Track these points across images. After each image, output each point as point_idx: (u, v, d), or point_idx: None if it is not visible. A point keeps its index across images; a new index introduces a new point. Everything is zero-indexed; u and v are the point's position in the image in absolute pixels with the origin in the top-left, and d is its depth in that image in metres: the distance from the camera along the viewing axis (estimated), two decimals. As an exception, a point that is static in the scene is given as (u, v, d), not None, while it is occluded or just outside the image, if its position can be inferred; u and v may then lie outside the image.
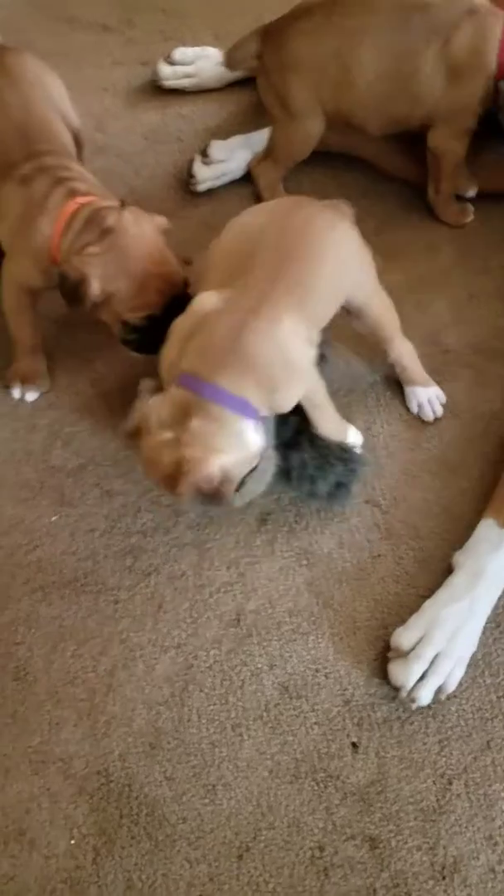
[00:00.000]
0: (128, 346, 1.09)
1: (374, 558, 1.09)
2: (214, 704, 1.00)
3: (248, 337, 0.91)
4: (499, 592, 1.03)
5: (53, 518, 1.12)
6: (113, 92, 1.50)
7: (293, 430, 1.07)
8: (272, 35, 1.27)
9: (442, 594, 1.02)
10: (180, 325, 0.95)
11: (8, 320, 1.17)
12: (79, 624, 1.04)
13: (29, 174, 1.06)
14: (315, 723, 0.99)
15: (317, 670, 1.02)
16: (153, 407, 0.92)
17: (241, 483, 0.95)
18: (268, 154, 1.34)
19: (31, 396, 1.19)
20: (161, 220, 1.06)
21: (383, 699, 1.00)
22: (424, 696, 0.97)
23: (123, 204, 1.04)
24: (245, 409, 0.92)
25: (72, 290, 1.00)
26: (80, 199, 1.04)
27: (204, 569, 1.09)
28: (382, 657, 1.02)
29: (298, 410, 1.03)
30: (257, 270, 0.95)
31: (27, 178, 1.06)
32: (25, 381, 1.18)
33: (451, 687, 0.98)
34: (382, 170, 1.42)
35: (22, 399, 1.19)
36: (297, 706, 1.00)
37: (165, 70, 1.46)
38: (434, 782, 0.96)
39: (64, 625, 1.04)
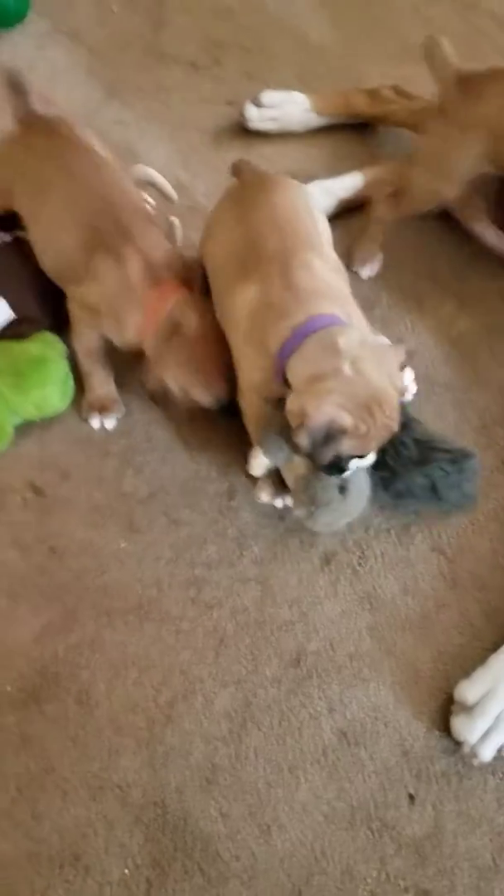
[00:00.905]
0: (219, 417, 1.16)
1: (439, 607, 1.08)
2: (272, 744, 1.00)
3: (296, 283, 1.01)
4: None
5: (122, 544, 1.13)
6: (200, 129, 1.54)
7: (414, 448, 1.10)
8: (470, 85, 1.21)
9: None
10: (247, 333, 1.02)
11: (79, 360, 1.20)
12: (141, 651, 1.06)
13: (120, 250, 1.09)
14: (373, 771, 0.99)
15: (376, 718, 1.02)
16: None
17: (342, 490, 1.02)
18: (397, 194, 1.30)
19: (109, 424, 1.22)
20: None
21: (443, 752, 0.99)
22: (487, 753, 0.96)
23: (189, 286, 1.10)
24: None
25: (158, 396, 1.10)
26: (165, 294, 1.09)
27: (266, 605, 1.09)
28: (444, 709, 1.01)
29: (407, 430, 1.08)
30: (266, 256, 1.04)
31: (119, 255, 1.09)
32: (102, 411, 1.21)
33: None
34: (459, 217, 1.43)
35: (99, 426, 1.22)
36: (355, 753, 1.00)
37: (252, 112, 1.50)
38: (491, 840, 0.95)
39: (127, 651, 1.06)
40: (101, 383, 1.21)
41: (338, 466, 0.98)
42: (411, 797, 0.97)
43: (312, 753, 1.00)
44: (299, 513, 1.06)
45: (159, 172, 1.46)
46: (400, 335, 1.30)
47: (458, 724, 0.98)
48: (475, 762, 0.97)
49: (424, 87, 1.54)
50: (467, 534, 1.14)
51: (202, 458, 1.19)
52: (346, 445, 0.95)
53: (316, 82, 1.62)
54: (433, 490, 1.10)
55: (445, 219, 1.43)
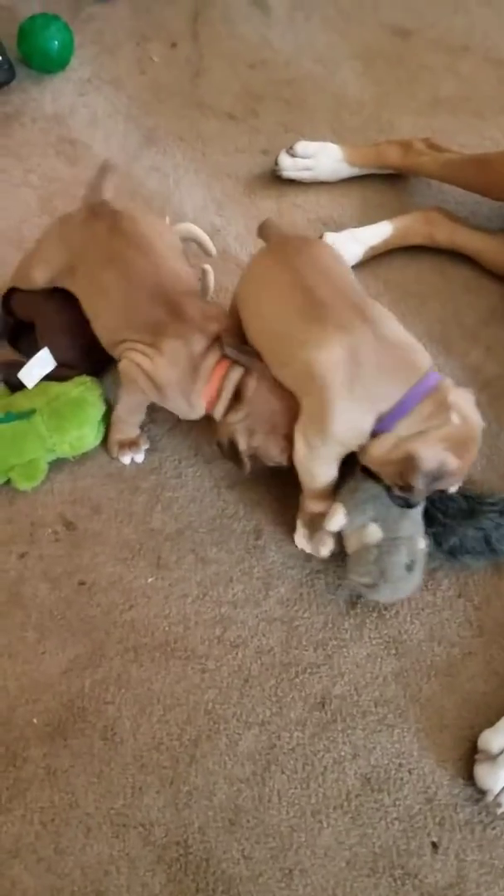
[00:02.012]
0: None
1: (465, 655, 1.09)
2: (295, 788, 1.00)
3: (387, 335, 1.04)
4: None
5: (150, 580, 1.15)
6: (234, 177, 1.58)
7: (463, 501, 1.13)
8: None
9: None
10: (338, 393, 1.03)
11: (118, 412, 1.22)
12: (167, 689, 1.06)
13: (183, 331, 1.12)
14: (396, 818, 0.98)
15: (400, 765, 1.01)
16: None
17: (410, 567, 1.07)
18: None
19: (139, 458, 1.24)
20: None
21: (467, 800, 0.99)
22: None
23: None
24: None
25: (230, 453, 1.12)
26: (223, 367, 1.12)
27: (291, 646, 1.10)
28: (468, 757, 1.01)
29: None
30: (328, 301, 1.06)
31: (183, 335, 1.12)
32: (130, 448, 1.24)
33: None
34: (486, 266, 1.46)
35: (132, 462, 1.24)
36: (378, 799, 0.99)
37: (286, 161, 1.54)
38: (514, 893, 0.94)
39: (152, 688, 1.06)
40: (131, 428, 1.24)
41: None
42: (434, 845, 0.97)
43: (336, 798, 0.99)
44: (363, 580, 1.08)
45: (194, 218, 1.50)
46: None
47: (482, 773, 0.97)
48: (499, 811, 0.97)
49: (454, 139, 1.59)
50: (494, 581, 1.15)
51: (230, 496, 1.21)
52: (446, 482, 1.04)
53: (349, 133, 1.66)
54: (486, 542, 1.12)
55: (471, 266, 1.46)
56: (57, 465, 1.22)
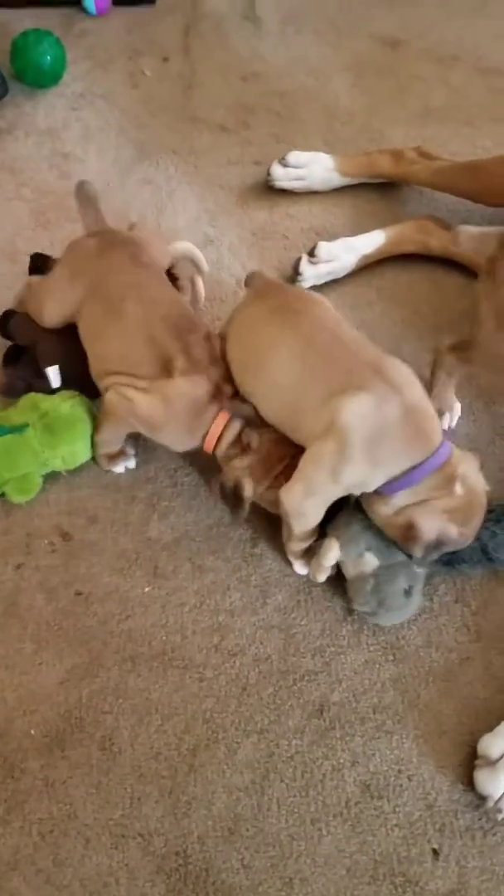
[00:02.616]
0: None
1: (463, 660, 1.09)
2: (294, 796, 1.00)
3: (410, 401, 1.03)
4: None
5: (146, 589, 1.15)
6: (227, 189, 1.59)
7: None
8: None
9: None
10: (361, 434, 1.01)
11: (102, 437, 1.21)
12: (165, 698, 1.06)
13: (189, 370, 1.12)
14: (396, 825, 0.98)
15: (400, 771, 1.01)
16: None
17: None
18: (462, 349, 1.23)
19: (131, 464, 1.25)
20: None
21: (467, 807, 0.99)
22: None
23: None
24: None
25: (231, 497, 1.11)
26: (226, 415, 1.12)
27: (289, 654, 1.10)
28: (467, 763, 1.01)
29: None
30: (348, 363, 1.04)
31: (189, 375, 1.11)
32: (118, 459, 1.24)
33: None
34: (479, 273, 1.47)
35: (125, 470, 1.24)
36: (378, 806, 0.99)
37: (278, 171, 1.55)
38: (516, 900, 0.93)
39: (150, 698, 1.06)
40: (114, 443, 1.23)
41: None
42: (435, 852, 0.96)
43: (335, 806, 0.99)
44: (362, 609, 1.09)
45: (188, 229, 1.51)
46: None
47: (482, 779, 0.97)
48: (499, 817, 0.96)
49: (446, 148, 1.60)
50: (491, 585, 1.15)
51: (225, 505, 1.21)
52: (447, 548, 1.04)
53: (341, 144, 1.67)
54: (483, 552, 1.12)
55: (465, 273, 1.47)
56: (52, 475, 1.22)
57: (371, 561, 1.07)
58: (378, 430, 1.00)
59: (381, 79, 1.85)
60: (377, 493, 1.04)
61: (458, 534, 1.02)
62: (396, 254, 1.48)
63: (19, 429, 1.18)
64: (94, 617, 1.12)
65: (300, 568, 1.15)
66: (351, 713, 1.05)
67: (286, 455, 1.09)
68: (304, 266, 1.41)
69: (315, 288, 1.44)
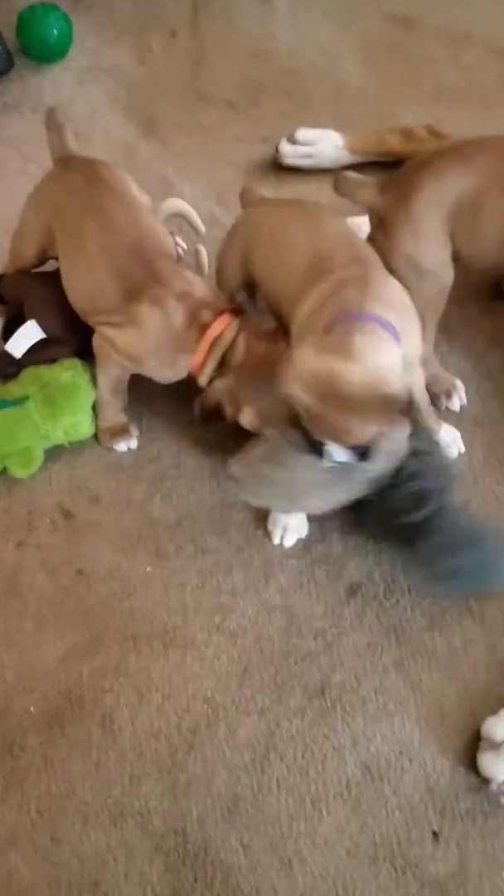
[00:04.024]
0: None
1: (466, 643, 1.07)
2: (295, 776, 0.99)
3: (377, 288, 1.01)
4: None
5: (148, 569, 1.14)
6: (234, 166, 1.57)
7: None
8: (395, 187, 1.17)
9: None
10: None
11: (100, 392, 1.21)
12: (165, 678, 1.06)
13: (160, 297, 1.11)
14: (396, 807, 0.97)
15: (401, 753, 1.00)
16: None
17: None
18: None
19: (133, 444, 1.24)
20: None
21: (468, 790, 0.98)
22: None
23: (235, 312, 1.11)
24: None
25: (210, 413, 1.10)
26: (212, 334, 1.10)
27: (291, 635, 1.09)
28: (470, 746, 1.00)
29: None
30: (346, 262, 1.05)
31: (160, 301, 1.11)
32: (120, 436, 1.23)
33: None
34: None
35: (127, 450, 1.23)
36: (378, 788, 0.98)
37: (287, 148, 1.53)
38: (516, 882, 0.93)
39: (151, 677, 1.06)
40: (116, 412, 1.23)
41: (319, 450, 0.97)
42: (435, 835, 0.96)
43: (335, 787, 0.98)
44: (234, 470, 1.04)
45: (194, 206, 1.49)
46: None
47: (486, 761, 0.96)
48: (502, 800, 0.96)
49: (457, 129, 1.58)
50: (495, 569, 1.14)
51: (229, 485, 1.20)
52: None
53: (350, 123, 1.65)
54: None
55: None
56: (55, 454, 1.21)
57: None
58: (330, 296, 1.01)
59: (392, 59, 1.82)
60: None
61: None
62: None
63: (20, 401, 1.17)
64: (95, 596, 1.11)
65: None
66: (352, 695, 1.04)
67: (267, 378, 1.05)
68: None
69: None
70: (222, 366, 1.10)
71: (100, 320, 1.16)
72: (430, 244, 1.15)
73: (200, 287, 1.15)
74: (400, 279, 1.11)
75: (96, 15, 1.83)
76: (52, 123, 1.28)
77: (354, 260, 1.06)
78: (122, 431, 1.23)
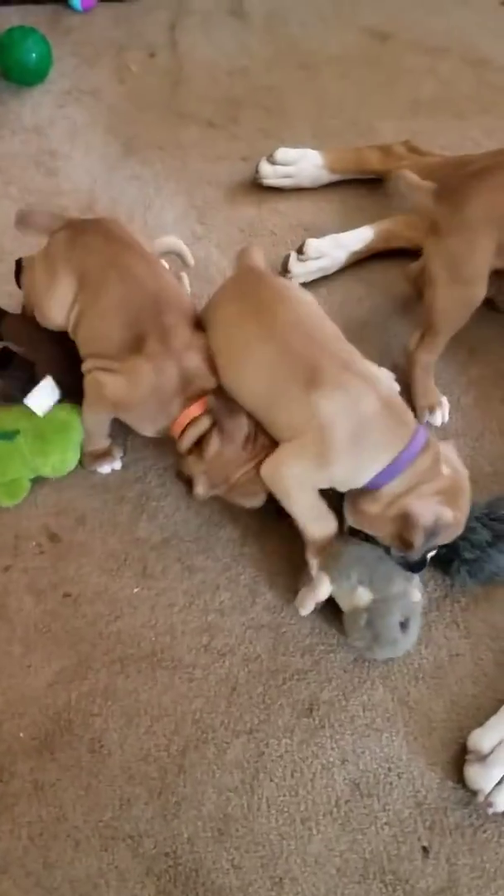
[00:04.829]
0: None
1: (453, 657, 1.08)
2: (284, 795, 0.99)
3: (385, 389, 1.06)
4: None
5: (135, 590, 1.14)
6: (215, 185, 1.58)
7: (483, 529, 1.12)
8: (450, 194, 1.19)
9: None
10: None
11: (86, 425, 1.20)
12: (154, 699, 1.06)
13: (158, 353, 1.10)
14: (386, 823, 0.98)
15: (389, 769, 1.01)
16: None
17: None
18: (427, 331, 1.26)
19: (117, 466, 1.24)
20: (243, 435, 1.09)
21: (457, 803, 0.99)
22: (502, 802, 0.95)
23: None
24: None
25: (187, 483, 1.11)
26: (193, 412, 1.09)
27: (279, 653, 1.10)
28: (457, 759, 1.01)
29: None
30: (318, 362, 1.04)
31: (156, 358, 1.10)
32: (103, 459, 1.24)
33: None
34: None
35: (111, 472, 1.24)
36: (367, 805, 0.99)
37: (266, 169, 1.54)
38: (506, 897, 0.93)
39: (140, 699, 1.06)
40: (101, 438, 1.23)
41: (419, 563, 1.06)
42: (425, 850, 0.96)
43: (325, 805, 0.99)
44: (357, 644, 1.07)
45: (176, 226, 1.50)
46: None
47: (473, 773, 0.97)
48: (490, 811, 0.96)
49: (435, 140, 1.60)
50: (480, 582, 1.15)
51: (215, 504, 1.20)
52: (445, 536, 1.03)
53: (329, 138, 1.66)
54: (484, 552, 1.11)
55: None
56: (41, 478, 1.21)
57: (364, 595, 1.06)
58: (358, 425, 1.01)
59: (369, 71, 1.84)
60: (364, 491, 1.04)
61: (452, 518, 1.01)
62: (385, 249, 1.47)
63: (9, 435, 1.17)
64: (82, 618, 1.12)
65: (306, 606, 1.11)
66: (340, 711, 1.05)
67: (245, 461, 1.08)
68: (294, 264, 1.40)
69: (304, 285, 1.43)
70: (199, 445, 1.10)
71: (97, 364, 1.15)
72: (476, 254, 1.19)
73: (197, 350, 1.13)
74: (435, 282, 1.21)
75: (75, 37, 1.84)
76: (27, 221, 1.24)
77: (338, 364, 1.05)
78: (105, 454, 1.23)
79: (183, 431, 1.11)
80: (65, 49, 1.81)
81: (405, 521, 1.00)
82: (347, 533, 1.10)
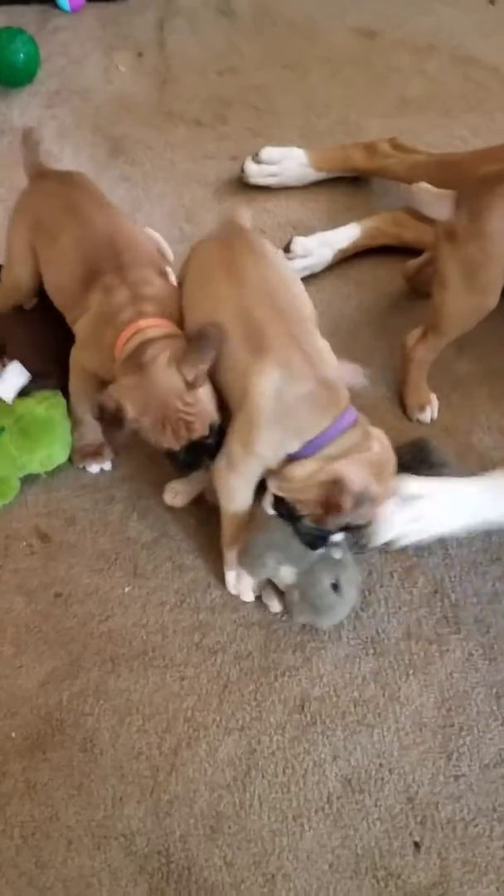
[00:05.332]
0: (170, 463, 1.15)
1: (443, 652, 1.09)
2: (276, 792, 1.00)
3: (322, 372, 1.03)
4: None
5: (126, 589, 1.15)
6: (203, 184, 1.59)
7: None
8: (469, 202, 1.18)
9: None
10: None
11: (73, 403, 1.22)
12: (146, 699, 1.06)
13: (112, 284, 1.12)
14: (377, 818, 0.98)
15: (381, 765, 1.01)
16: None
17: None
18: (431, 330, 1.27)
19: (106, 466, 1.24)
20: (196, 372, 1.04)
21: (448, 798, 0.99)
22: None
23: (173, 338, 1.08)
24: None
25: (110, 416, 1.05)
26: (141, 323, 1.09)
27: (270, 650, 1.10)
28: (449, 755, 1.01)
29: None
30: (269, 331, 1.04)
31: (110, 288, 1.12)
32: (94, 457, 1.24)
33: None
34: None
35: (101, 471, 1.24)
36: (359, 800, 0.99)
37: (252, 168, 1.54)
38: (497, 889, 0.94)
39: (131, 698, 1.06)
40: (91, 430, 1.23)
41: (323, 539, 1.05)
42: (417, 845, 0.96)
43: (317, 801, 0.99)
44: (300, 619, 1.09)
45: (163, 225, 1.50)
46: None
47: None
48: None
49: (422, 138, 1.60)
50: (470, 576, 1.15)
51: (205, 503, 1.21)
52: (365, 511, 1.01)
53: (317, 136, 1.67)
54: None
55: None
56: (30, 477, 1.22)
57: (288, 573, 1.07)
58: (288, 403, 1.02)
59: (357, 70, 1.85)
60: (291, 458, 1.04)
61: (377, 493, 1.00)
62: (372, 247, 1.47)
63: (-5, 433, 1.17)
64: (73, 618, 1.12)
65: (231, 581, 1.13)
66: (332, 708, 1.05)
67: (177, 395, 1.03)
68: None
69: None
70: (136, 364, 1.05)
71: (72, 317, 1.17)
72: (493, 263, 1.18)
73: (159, 299, 1.13)
74: (447, 286, 1.20)
75: (63, 37, 1.84)
76: (28, 142, 1.29)
77: (289, 339, 1.05)
78: (95, 453, 1.23)
79: (126, 343, 1.08)
80: (53, 49, 1.81)
81: (335, 485, 0.99)
82: (261, 512, 1.09)
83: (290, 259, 1.40)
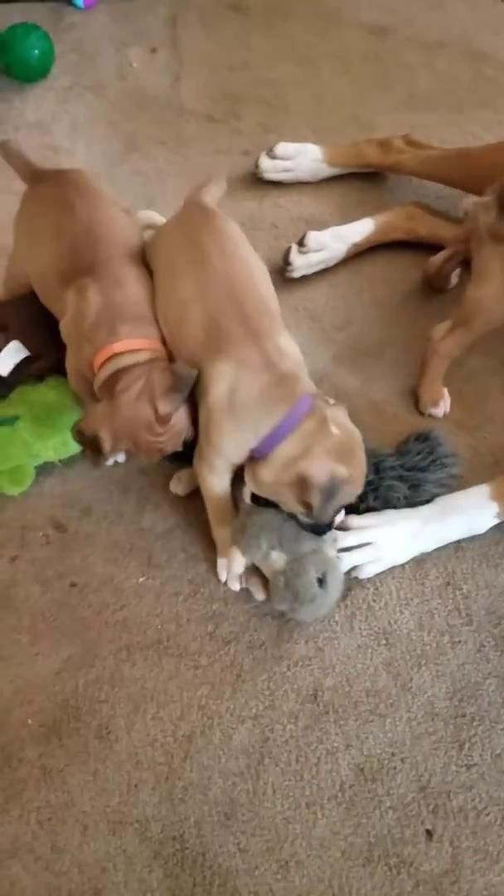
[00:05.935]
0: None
1: (455, 643, 1.09)
2: (289, 780, 1.01)
3: (277, 365, 1.06)
4: None
5: (141, 579, 1.16)
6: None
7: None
8: None
9: None
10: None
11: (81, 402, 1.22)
12: (160, 686, 1.07)
13: (84, 285, 1.11)
14: (390, 807, 0.99)
15: (393, 754, 1.02)
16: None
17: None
18: (461, 325, 1.28)
19: (120, 458, 1.25)
20: (171, 409, 1.06)
21: (460, 787, 1.00)
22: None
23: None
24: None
25: (89, 443, 1.07)
26: (116, 347, 1.08)
27: (283, 640, 1.11)
28: (462, 744, 1.02)
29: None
30: (227, 325, 1.07)
31: (82, 289, 1.11)
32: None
33: None
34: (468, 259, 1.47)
35: (115, 463, 1.25)
36: (371, 789, 1.00)
37: (266, 163, 1.55)
38: (509, 878, 0.95)
39: (146, 686, 1.07)
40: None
41: (328, 525, 1.07)
42: (429, 833, 0.97)
43: (330, 789, 1.00)
44: (280, 607, 1.09)
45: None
46: (413, 374, 1.33)
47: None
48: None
49: (434, 134, 1.61)
50: (482, 568, 1.16)
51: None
52: (345, 494, 1.04)
53: (329, 132, 1.68)
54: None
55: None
56: (46, 468, 1.23)
57: (278, 558, 1.08)
58: (241, 398, 1.04)
59: (368, 66, 1.85)
60: (257, 459, 1.06)
61: (347, 474, 1.02)
62: (385, 241, 1.48)
63: (9, 421, 1.18)
64: (88, 607, 1.13)
65: (221, 570, 1.15)
66: (344, 697, 1.06)
67: (153, 425, 1.06)
68: (294, 256, 1.41)
69: (306, 277, 1.45)
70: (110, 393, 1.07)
71: (55, 309, 1.18)
72: None
73: (132, 292, 1.14)
74: (487, 285, 1.24)
75: (76, 33, 1.85)
76: (10, 154, 1.29)
77: (247, 336, 1.07)
78: None
79: (101, 368, 1.09)
80: (66, 45, 1.82)
81: (301, 484, 1.01)
82: (251, 502, 1.11)
83: (303, 253, 1.41)
